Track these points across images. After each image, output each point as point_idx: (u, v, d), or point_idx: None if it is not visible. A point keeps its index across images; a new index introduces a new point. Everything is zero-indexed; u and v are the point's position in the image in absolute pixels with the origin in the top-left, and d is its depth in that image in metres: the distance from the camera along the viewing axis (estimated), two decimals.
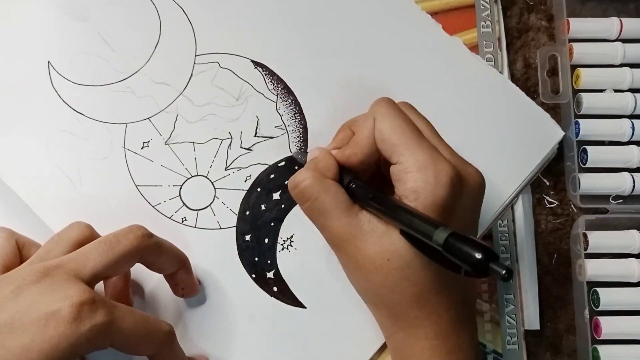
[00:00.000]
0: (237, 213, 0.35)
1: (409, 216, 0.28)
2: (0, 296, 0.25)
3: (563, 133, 0.38)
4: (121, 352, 0.27)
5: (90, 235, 0.30)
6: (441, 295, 0.29)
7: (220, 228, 0.35)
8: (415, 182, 0.28)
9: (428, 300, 0.29)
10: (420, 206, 0.28)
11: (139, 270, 0.31)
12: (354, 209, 0.30)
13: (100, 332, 0.25)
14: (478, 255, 0.23)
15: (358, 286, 0.31)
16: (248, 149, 0.36)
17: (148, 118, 0.35)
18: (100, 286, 0.31)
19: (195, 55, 0.36)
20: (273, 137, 0.36)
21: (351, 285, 0.32)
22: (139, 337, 0.27)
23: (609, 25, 0.42)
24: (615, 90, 0.42)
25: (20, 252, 0.30)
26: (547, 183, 0.43)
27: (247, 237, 0.35)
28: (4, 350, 0.24)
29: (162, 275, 0.32)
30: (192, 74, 0.36)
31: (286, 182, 0.35)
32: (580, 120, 0.42)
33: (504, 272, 0.23)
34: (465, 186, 0.29)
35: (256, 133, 0.36)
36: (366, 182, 0.31)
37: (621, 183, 0.41)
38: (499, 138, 0.37)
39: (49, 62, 0.35)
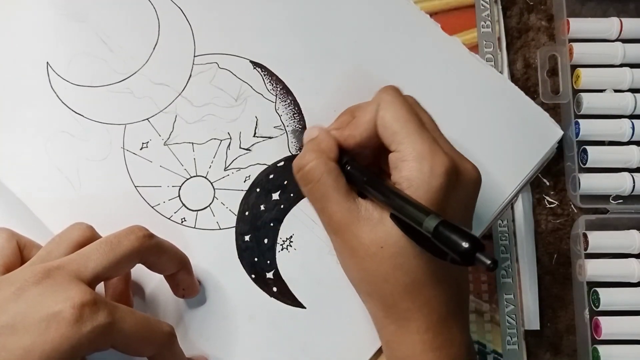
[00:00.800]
0: (236, 213, 0.35)
1: (401, 202, 0.28)
2: (2, 297, 0.26)
3: (562, 132, 0.39)
4: (122, 353, 0.27)
5: (91, 236, 0.30)
6: (434, 288, 0.30)
7: (220, 228, 0.35)
8: (410, 170, 0.29)
9: (420, 291, 0.29)
10: (412, 194, 0.29)
11: (139, 271, 0.32)
12: (352, 194, 0.31)
13: (101, 333, 0.26)
14: (465, 244, 0.24)
15: (352, 275, 0.32)
16: (247, 149, 0.36)
17: (147, 119, 0.36)
18: (100, 287, 0.32)
19: (194, 56, 0.37)
20: (272, 138, 0.36)
21: (350, 285, 0.32)
22: (140, 338, 0.27)
23: (609, 25, 0.43)
24: (615, 90, 0.43)
25: (21, 253, 0.30)
26: (547, 183, 0.44)
27: (247, 238, 0.35)
28: (5, 351, 0.24)
29: (162, 275, 0.32)
30: (190, 75, 0.36)
31: (286, 182, 0.36)
32: (580, 120, 0.42)
33: (489, 262, 0.24)
34: (460, 180, 0.30)
35: (255, 133, 0.36)
36: (362, 165, 0.32)
37: (621, 183, 0.42)
38: (498, 137, 0.38)
39: (47, 63, 0.35)
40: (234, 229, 0.35)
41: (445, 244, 0.26)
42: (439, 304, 0.30)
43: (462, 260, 0.25)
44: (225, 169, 0.36)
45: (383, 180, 0.31)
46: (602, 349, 0.40)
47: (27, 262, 0.29)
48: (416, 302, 0.30)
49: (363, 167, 0.32)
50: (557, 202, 0.44)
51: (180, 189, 0.35)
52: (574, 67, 0.43)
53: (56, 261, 0.27)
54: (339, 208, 0.30)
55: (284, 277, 0.35)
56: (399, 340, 0.31)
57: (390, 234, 0.29)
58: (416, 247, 0.29)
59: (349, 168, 0.31)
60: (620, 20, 0.43)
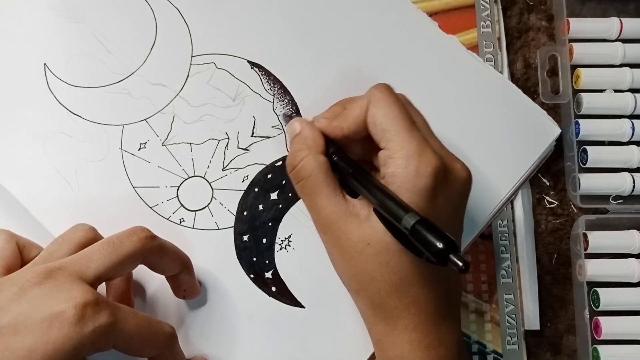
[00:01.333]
0: (234, 213, 0.36)
1: (383, 196, 0.29)
2: (4, 298, 0.26)
3: (560, 130, 0.39)
4: (123, 353, 0.28)
5: (93, 237, 0.30)
6: (421, 286, 0.30)
7: (218, 228, 0.36)
8: (396, 168, 0.30)
9: (407, 290, 0.30)
10: (395, 191, 0.30)
11: (139, 271, 0.32)
12: (342, 190, 0.32)
13: (103, 334, 0.26)
14: (440, 245, 0.26)
15: (341, 273, 0.33)
16: (245, 149, 0.37)
17: (145, 119, 0.36)
18: (102, 287, 0.32)
19: (192, 56, 0.37)
20: (270, 137, 0.37)
21: None
22: (142, 338, 0.28)
23: (609, 25, 0.43)
24: (615, 90, 0.44)
25: (21, 253, 0.31)
26: (547, 183, 0.44)
27: (245, 238, 0.36)
28: (8, 352, 0.25)
29: (162, 276, 0.33)
30: (188, 75, 0.37)
31: (284, 182, 0.36)
32: (580, 120, 0.43)
33: (461, 264, 0.25)
34: (449, 180, 0.31)
35: (253, 133, 0.37)
36: (348, 157, 0.33)
37: (621, 183, 0.42)
38: (496, 135, 0.39)
39: (45, 64, 0.36)
40: (232, 229, 0.36)
41: (421, 243, 0.27)
42: (427, 303, 0.30)
43: (435, 259, 0.26)
44: (223, 169, 0.37)
45: (368, 174, 0.32)
46: (602, 349, 0.41)
47: (29, 263, 0.30)
48: (403, 300, 0.30)
49: (350, 159, 0.33)
50: (557, 202, 0.44)
51: (178, 189, 0.36)
52: (574, 67, 0.44)
53: (58, 261, 0.28)
54: (328, 202, 0.31)
55: (282, 277, 0.36)
56: (388, 340, 0.31)
57: (376, 230, 0.30)
58: (402, 246, 0.30)
59: (335, 158, 0.32)
60: (620, 20, 0.43)
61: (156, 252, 0.31)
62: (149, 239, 0.30)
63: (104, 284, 0.32)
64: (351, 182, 0.32)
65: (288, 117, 0.37)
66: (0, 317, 0.26)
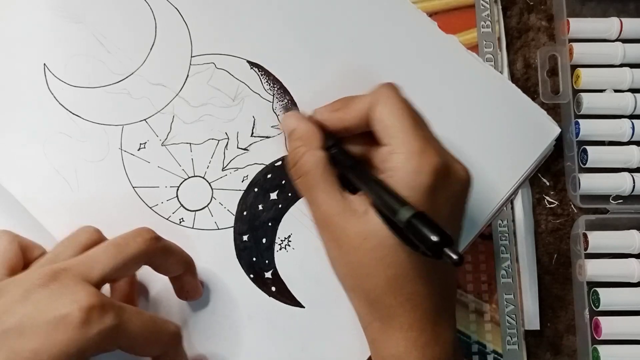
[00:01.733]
0: (234, 213, 0.36)
1: (380, 189, 0.30)
2: (9, 299, 0.27)
3: (559, 129, 0.40)
4: (127, 353, 0.28)
5: (98, 239, 0.31)
6: (417, 283, 0.30)
7: (218, 228, 0.36)
8: (397, 163, 0.30)
9: (402, 286, 0.30)
10: (393, 186, 0.30)
11: (142, 272, 0.33)
12: (340, 187, 0.32)
13: (108, 336, 0.26)
14: (434, 238, 0.26)
15: (337, 270, 0.33)
16: (245, 149, 0.37)
17: (144, 119, 0.37)
18: (106, 288, 0.32)
19: (191, 56, 0.38)
20: (269, 137, 0.38)
21: None
22: (147, 338, 0.28)
23: (609, 25, 0.44)
24: (615, 90, 0.44)
25: (23, 255, 0.31)
26: (547, 183, 0.45)
27: (245, 238, 0.36)
28: (13, 354, 0.25)
29: (165, 277, 0.33)
30: (188, 75, 0.37)
31: (283, 182, 0.37)
32: (580, 120, 0.43)
33: (455, 257, 0.26)
34: (449, 180, 0.31)
35: (252, 133, 0.37)
36: (347, 150, 0.33)
37: (621, 183, 0.43)
38: (496, 135, 0.39)
39: (44, 64, 0.37)
40: (232, 228, 0.36)
41: (416, 236, 0.27)
42: (423, 300, 0.31)
43: (431, 253, 0.27)
44: (223, 169, 0.37)
45: (366, 167, 0.33)
46: (602, 349, 0.41)
47: (34, 265, 0.30)
48: (399, 297, 0.30)
49: (348, 152, 0.33)
50: (557, 202, 0.45)
51: (178, 189, 0.36)
52: (574, 67, 0.44)
53: (63, 263, 0.28)
54: (327, 198, 0.31)
55: (282, 277, 0.36)
56: (383, 338, 0.31)
57: (373, 225, 0.30)
58: (398, 241, 0.30)
59: (333, 151, 0.33)
60: (620, 20, 0.44)
61: (161, 254, 0.31)
62: (154, 240, 0.30)
63: (108, 285, 0.32)
64: (349, 175, 0.32)
65: (286, 110, 0.37)
66: (5, 319, 0.26)
